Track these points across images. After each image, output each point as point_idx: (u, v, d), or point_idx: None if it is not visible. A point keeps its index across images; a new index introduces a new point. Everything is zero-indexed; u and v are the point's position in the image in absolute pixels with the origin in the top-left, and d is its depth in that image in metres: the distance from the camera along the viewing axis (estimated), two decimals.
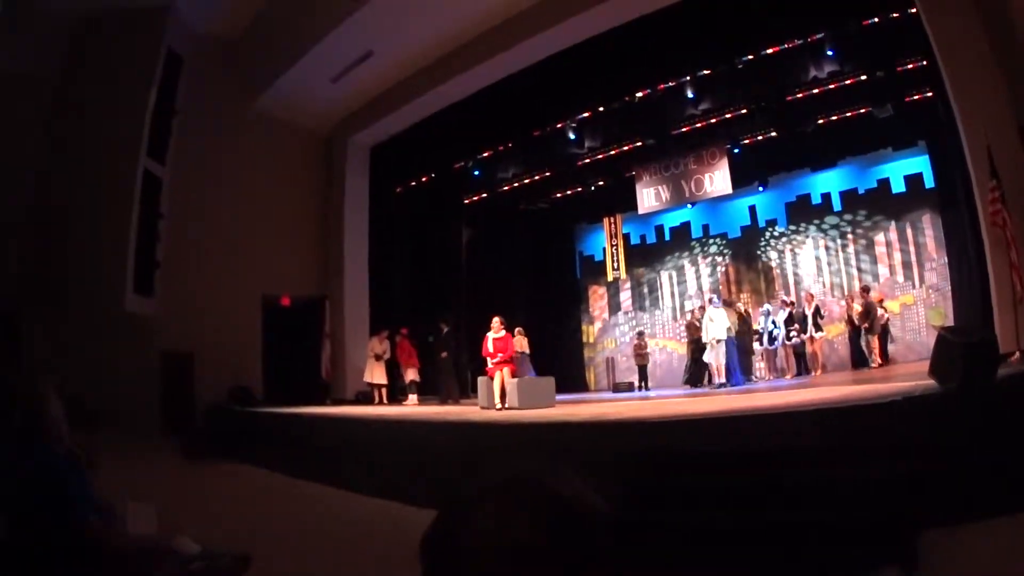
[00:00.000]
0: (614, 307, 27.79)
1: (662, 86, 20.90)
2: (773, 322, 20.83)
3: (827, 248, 22.92)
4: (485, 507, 1.24)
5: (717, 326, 18.10)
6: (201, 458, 15.88)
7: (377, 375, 20.64)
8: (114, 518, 4.87)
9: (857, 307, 19.53)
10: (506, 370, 15.58)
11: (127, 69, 19.02)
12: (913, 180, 21.18)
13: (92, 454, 5.07)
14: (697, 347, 19.98)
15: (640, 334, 23.80)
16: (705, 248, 25.75)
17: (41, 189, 19.01)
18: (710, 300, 19.33)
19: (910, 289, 20.87)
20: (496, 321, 16.02)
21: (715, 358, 18.38)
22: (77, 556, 4.22)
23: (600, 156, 23.58)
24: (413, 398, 20.32)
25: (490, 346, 15.81)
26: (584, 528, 1.23)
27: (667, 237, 26.70)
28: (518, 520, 1.19)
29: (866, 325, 19.12)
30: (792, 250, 23.67)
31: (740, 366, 18.90)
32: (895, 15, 16.75)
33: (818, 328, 19.84)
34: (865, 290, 20.06)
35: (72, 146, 18.92)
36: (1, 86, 17.30)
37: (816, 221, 23.24)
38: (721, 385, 18.03)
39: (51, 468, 4.30)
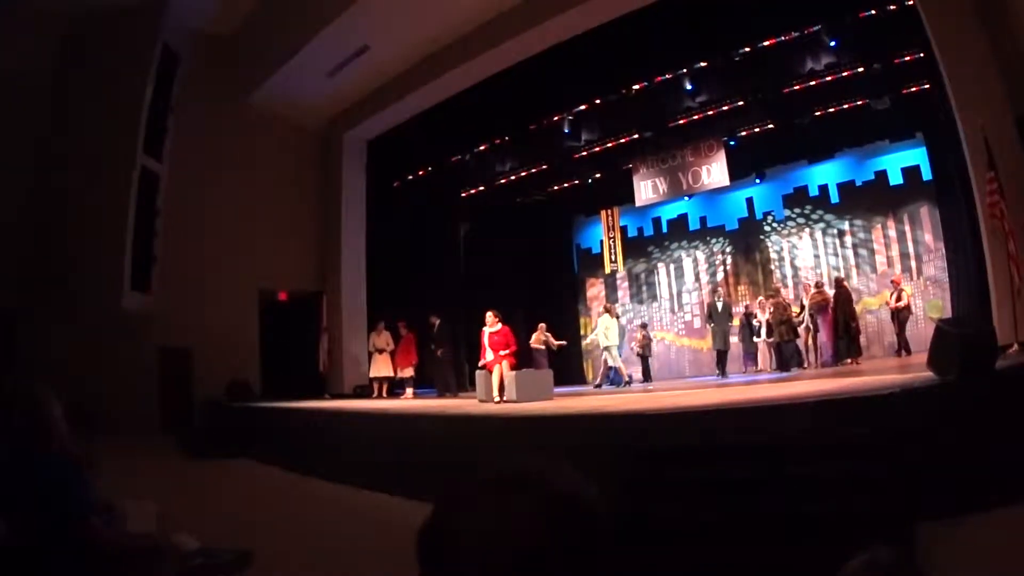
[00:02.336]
0: (612, 300, 27.59)
1: (659, 78, 20.90)
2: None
3: (824, 240, 22.88)
4: (482, 502, 1.23)
5: (612, 334, 19.27)
6: (200, 454, 15.89)
7: (383, 368, 20.73)
8: (114, 517, 4.87)
9: (805, 302, 19.80)
10: (504, 363, 15.60)
11: (123, 66, 19.03)
12: (910, 172, 21.19)
13: (90, 453, 5.07)
14: (788, 327, 19.73)
15: (643, 326, 23.84)
16: (703, 240, 25.73)
17: (37, 188, 19.02)
18: (605, 310, 20.35)
19: (908, 281, 20.73)
20: (490, 315, 16.10)
21: (611, 361, 19.68)
22: (77, 556, 4.22)
23: (597, 149, 23.58)
24: (410, 392, 20.38)
25: (486, 340, 15.84)
26: (582, 522, 1.22)
27: (665, 229, 26.69)
28: (515, 515, 1.18)
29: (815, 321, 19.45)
30: (789, 242, 23.66)
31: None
32: (892, 7, 16.78)
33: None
34: (818, 285, 20.14)
35: (68, 144, 18.94)
36: None
37: (813, 213, 23.23)
38: (604, 384, 19.88)
39: (49, 469, 4.29)
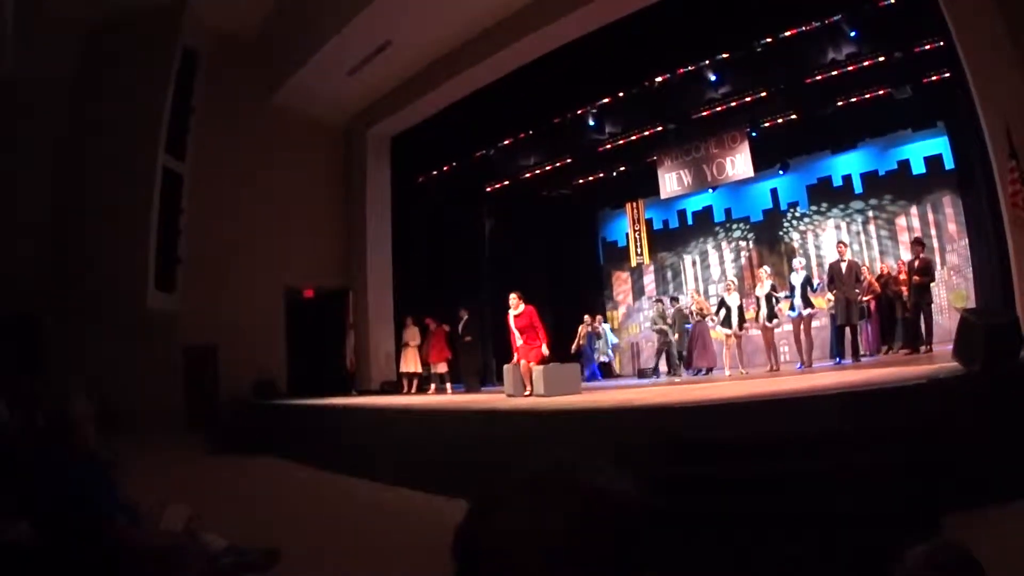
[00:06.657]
0: (638, 292, 27.78)
1: (681, 70, 20.82)
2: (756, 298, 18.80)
3: (849, 230, 22.75)
4: (518, 498, 1.25)
5: None
6: (226, 452, 15.98)
7: (412, 364, 20.79)
8: (140, 517, 4.90)
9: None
10: (532, 357, 15.50)
11: (143, 67, 19.23)
12: (933, 161, 21.06)
13: (116, 453, 5.11)
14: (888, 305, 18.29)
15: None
16: (728, 232, 25.70)
17: (60, 189, 19.17)
18: None
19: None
20: (513, 297, 15.88)
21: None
22: (103, 556, 4.25)
23: (621, 142, 23.48)
24: (447, 387, 20.59)
25: (512, 324, 15.80)
26: (618, 517, 1.23)
27: (690, 222, 26.64)
28: (552, 511, 1.19)
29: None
30: (814, 233, 23.58)
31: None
32: None
33: (807, 303, 17.01)
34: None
35: (90, 145, 19.11)
36: (19, 88, 17.42)
37: (838, 203, 23.18)
38: None
39: (75, 469, 4.34)
